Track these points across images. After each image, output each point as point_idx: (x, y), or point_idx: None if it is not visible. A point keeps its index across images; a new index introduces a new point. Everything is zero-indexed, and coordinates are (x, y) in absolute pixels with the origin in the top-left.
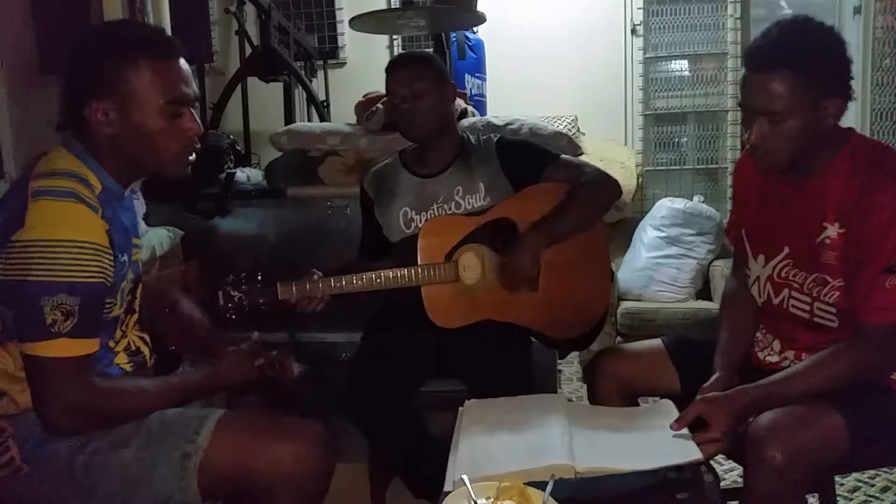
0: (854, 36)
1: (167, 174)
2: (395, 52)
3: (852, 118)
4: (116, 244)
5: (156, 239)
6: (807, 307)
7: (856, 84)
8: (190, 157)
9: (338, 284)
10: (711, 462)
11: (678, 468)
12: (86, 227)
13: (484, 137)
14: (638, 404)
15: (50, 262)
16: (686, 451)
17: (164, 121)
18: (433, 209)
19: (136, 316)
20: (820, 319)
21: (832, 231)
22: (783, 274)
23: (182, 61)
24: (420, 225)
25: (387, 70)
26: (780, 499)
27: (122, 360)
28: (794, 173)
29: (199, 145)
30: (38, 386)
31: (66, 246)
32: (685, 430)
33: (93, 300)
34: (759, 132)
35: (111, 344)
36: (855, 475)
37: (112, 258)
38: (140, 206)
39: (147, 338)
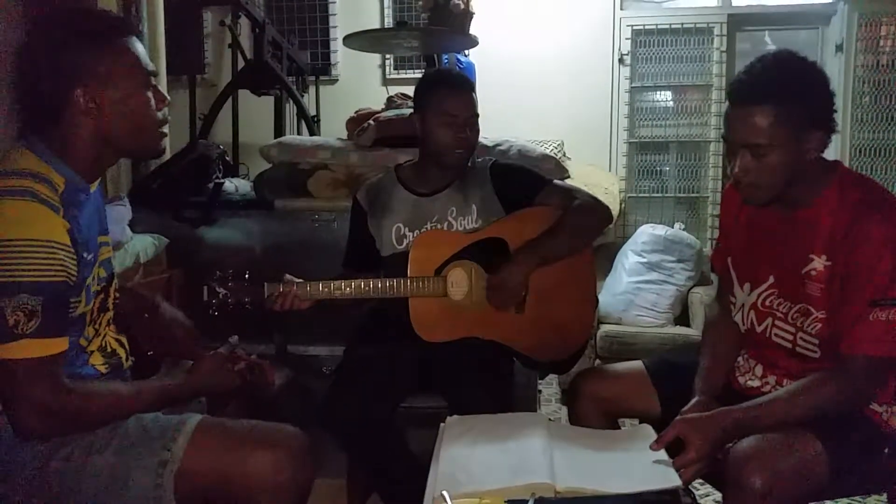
0: (835, 73)
1: (148, 150)
2: (388, 72)
3: (833, 154)
4: (80, 243)
5: (140, 246)
6: (790, 336)
7: (837, 119)
8: (163, 134)
9: (325, 289)
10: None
11: (657, 493)
12: (44, 226)
13: (479, 160)
14: (618, 426)
15: (8, 262)
16: (666, 476)
17: (139, 94)
18: (427, 228)
19: (109, 314)
20: (802, 349)
21: (818, 263)
22: (767, 303)
23: (137, 40)
24: (412, 242)
25: (443, 86)
26: None
27: (97, 360)
28: (782, 205)
29: (167, 120)
30: (5, 388)
31: (24, 245)
32: (665, 456)
33: (56, 299)
34: (742, 165)
35: (83, 342)
36: (828, 502)
37: (75, 257)
38: (126, 212)
39: (124, 340)
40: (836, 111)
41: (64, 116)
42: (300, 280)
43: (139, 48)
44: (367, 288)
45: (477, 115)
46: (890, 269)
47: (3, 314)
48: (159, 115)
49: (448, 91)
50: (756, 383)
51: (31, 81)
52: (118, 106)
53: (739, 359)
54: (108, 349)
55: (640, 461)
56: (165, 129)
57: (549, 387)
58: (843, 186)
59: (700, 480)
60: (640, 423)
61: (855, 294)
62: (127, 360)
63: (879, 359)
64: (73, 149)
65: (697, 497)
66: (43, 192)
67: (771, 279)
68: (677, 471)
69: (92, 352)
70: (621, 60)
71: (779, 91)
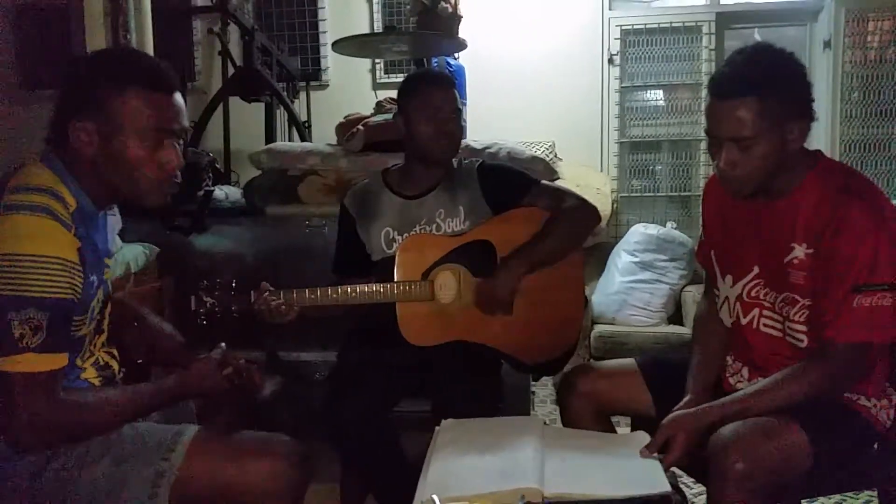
0: (824, 70)
1: (142, 203)
2: (378, 76)
3: (822, 149)
4: (88, 263)
5: (131, 255)
6: (779, 325)
7: (826, 117)
8: (168, 190)
9: (312, 296)
10: (681, 486)
11: (648, 498)
12: (57, 242)
13: (466, 161)
14: (611, 424)
15: (19, 276)
16: (656, 481)
17: (143, 149)
18: (415, 230)
19: (104, 335)
20: (791, 339)
21: (800, 252)
22: (753, 293)
23: (176, 95)
24: None
25: (423, 82)
26: None
27: (90, 374)
28: (762, 195)
29: (178, 179)
30: (3, 401)
31: (35, 261)
32: (656, 460)
33: (61, 316)
34: (728, 158)
35: (78, 362)
36: (822, 499)
37: (82, 276)
38: (116, 221)
39: (115, 352)
40: (813, 100)
41: (69, 141)
42: (285, 289)
43: (166, 104)
44: (353, 293)
45: (459, 111)
46: (872, 254)
47: (9, 327)
48: (164, 174)
49: (428, 87)
50: (744, 385)
51: (55, 98)
52: (113, 152)
53: (728, 358)
54: (101, 362)
55: (631, 465)
56: (170, 188)
57: (544, 388)
58: (823, 175)
59: (693, 479)
60: (633, 420)
61: (837, 280)
62: (119, 371)
63: (862, 344)
64: (79, 174)
65: (691, 497)
66: (57, 209)
67: (756, 269)
68: (665, 471)
69: (85, 368)
70: (611, 60)
71: (762, 83)
